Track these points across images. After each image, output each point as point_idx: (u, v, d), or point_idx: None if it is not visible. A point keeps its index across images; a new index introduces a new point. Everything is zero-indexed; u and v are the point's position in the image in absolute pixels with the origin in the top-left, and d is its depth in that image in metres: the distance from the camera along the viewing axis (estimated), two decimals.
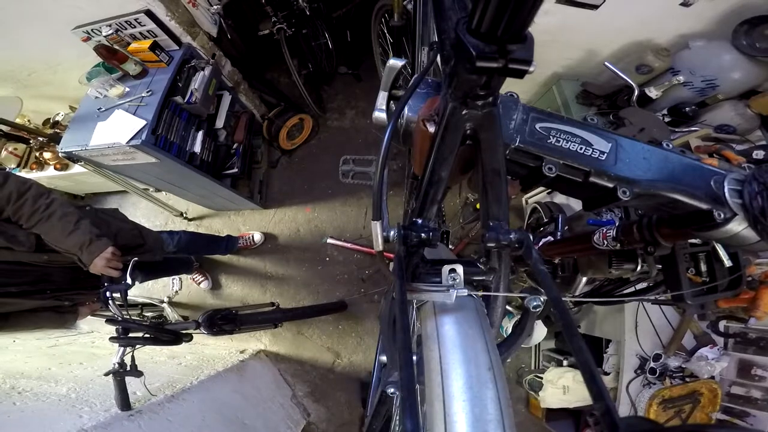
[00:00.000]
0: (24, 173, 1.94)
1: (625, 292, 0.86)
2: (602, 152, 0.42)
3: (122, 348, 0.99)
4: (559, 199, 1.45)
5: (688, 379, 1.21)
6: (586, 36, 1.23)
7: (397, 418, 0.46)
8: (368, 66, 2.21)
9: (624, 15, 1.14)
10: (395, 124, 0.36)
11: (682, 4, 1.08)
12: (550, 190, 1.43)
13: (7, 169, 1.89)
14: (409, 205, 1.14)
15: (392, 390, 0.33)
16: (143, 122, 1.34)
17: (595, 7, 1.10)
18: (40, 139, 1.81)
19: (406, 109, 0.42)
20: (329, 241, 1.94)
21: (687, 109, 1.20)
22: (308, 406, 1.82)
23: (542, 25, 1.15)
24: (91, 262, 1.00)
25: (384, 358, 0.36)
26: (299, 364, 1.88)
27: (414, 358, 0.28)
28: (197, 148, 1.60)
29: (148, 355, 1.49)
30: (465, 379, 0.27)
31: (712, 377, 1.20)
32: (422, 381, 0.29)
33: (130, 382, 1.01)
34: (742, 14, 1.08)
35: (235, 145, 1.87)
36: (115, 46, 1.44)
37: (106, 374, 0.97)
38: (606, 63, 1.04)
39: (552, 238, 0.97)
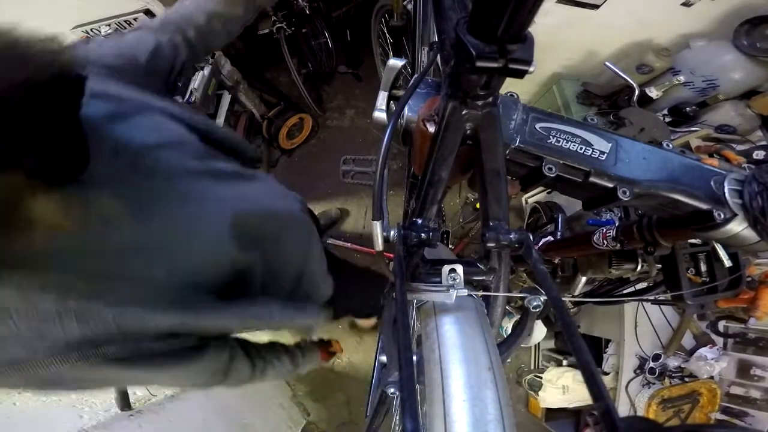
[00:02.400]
0: None
1: (624, 291, 0.86)
2: (602, 152, 0.42)
3: None
4: (559, 197, 1.45)
5: (687, 379, 1.21)
6: (587, 36, 1.23)
7: (397, 418, 0.46)
8: (368, 65, 2.20)
9: (625, 15, 1.13)
10: (395, 124, 0.36)
11: (683, 4, 1.08)
12: (549, 190, 1.43)
13: None
14: (409, 205, 1.14)
15: (392, 390, 0.33)
16: None
17: (595, 6, 1.10)
18: None
19: (406, 109, 0.42)
20: (329, 240, 1.94)
21: (687, 109, 1.20)
22: (308, 406, 1.82)
23: (542, 25, 1.15)
24: None
25: (384, 358, 0.36)
26: None
27: (414, 358, 0.28)
28: None
29: None
30: (465, 379, 0.27)
31: (712, 377, 1.20)
32: (422, 381, 0.29)
33: None
34: (743, 14, 1.08)
35: None
36: None
37: None
38: (606, 63, 1.04)
39: (552, 238, 0.97)
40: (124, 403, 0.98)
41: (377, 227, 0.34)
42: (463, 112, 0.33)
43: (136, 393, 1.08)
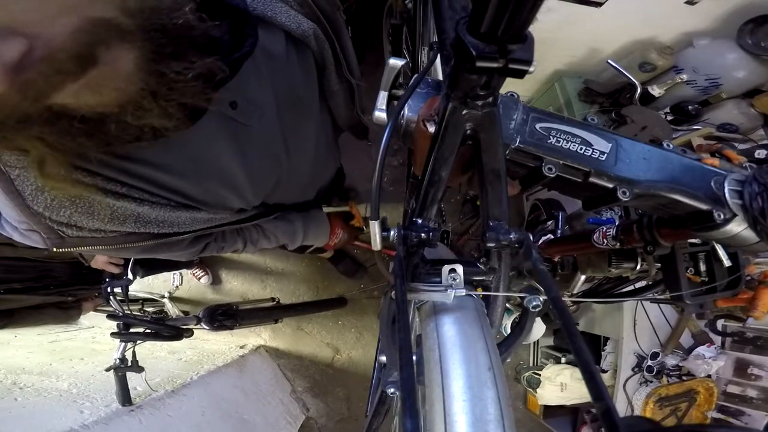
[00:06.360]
0: None
1: (624, 290, 0.87)
2: (602, 152, 0.42)
3: (123, 343, 1.00)
4: (559, 195, 1.45)
5: (684, 378, 1.22)
6: (589, 33, 1.22)
7: (397, 418, 0.47)
8: (368, 63, 2.19)
9: (628, 12, 1.13)
10: (394, 124, 0.36)
11: (686, 2, 1.07)
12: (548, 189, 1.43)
13: None
14: (409, 205, 1.14)
15: (392, 390, 0.34)
16: None
17: (598, 4, 1.09)
18: None
19: (406, 108, 0.42)
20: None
21: (690, 107, 1.20)
22: (308, 401, 1.84)
23: (544, 23, 1.14)
24: (93, 258, 1.01)
25: (384, 358, 0.36)
26: (299, 360, 1.89)
27: (414, 358, 0.28)
28: None
29: (148, 351, 1.50)
30: (465, 379, 0.27)
31: (709, 376, 1.21)
32: (422, 381, 0.29)
33: (131, 377, 1.02)
34: (747, 13, 1.07)
35: None
36: None
37: (108, 370, 0.98)
38: (609, 60, 1.03)
39: (552, 236, 0.97)
40: (125, 398, 0.99)
41: (375, 227, 0.34)
42: (463, 112, 0.33)
43: (136, 388, 1.09)
